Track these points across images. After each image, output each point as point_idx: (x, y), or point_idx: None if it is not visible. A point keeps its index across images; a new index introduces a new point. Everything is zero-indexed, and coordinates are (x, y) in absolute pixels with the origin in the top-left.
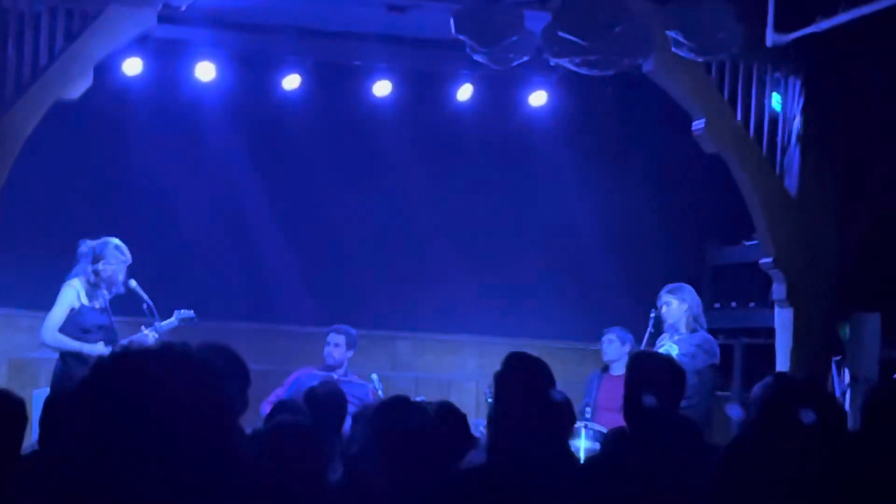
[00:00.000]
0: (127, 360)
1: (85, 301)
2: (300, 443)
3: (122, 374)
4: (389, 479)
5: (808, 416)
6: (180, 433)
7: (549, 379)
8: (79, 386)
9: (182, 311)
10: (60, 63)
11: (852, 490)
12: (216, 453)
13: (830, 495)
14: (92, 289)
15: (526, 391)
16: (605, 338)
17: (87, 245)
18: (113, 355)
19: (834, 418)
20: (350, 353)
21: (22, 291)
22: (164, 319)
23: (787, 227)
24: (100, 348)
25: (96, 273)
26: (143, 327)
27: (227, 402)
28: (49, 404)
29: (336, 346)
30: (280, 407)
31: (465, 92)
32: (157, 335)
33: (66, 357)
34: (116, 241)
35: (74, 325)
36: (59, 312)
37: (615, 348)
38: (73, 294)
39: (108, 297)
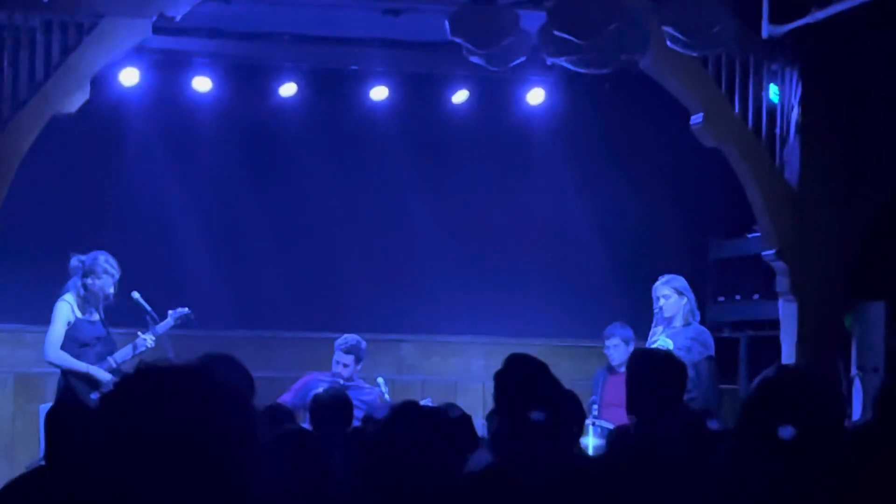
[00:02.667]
0: (150, 376)
1: (79, 314)
2: (302, 450)
3: (145, 390)
4: (397, 484)
5: (786, 432)
6: (202, 449)
7: (549, 379)
8: (101, 401)
9: (176, 310)
10: (57, 77)
11: (862, 484)
12: (237, 469)
13: (839, 489)
14: (84, 302)
15: (527, 391)
16: (608, 342)
17: (76, 259)
18: (136, 371)
19: (829, 414)
20: (359, 367)
21: (26, 307)
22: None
23: (789, 218)
24: (103, 373)
25: (86, 287)
26: (139, 333)
27: (251, 419)
28: (54, 420)
29: (345, 366)
30: (269, 412)
31: (462, 94)
32: (154, 338)
33: (68, 374)
34: (105, 254)
35: (72, 340)
36: (57, 329)
37: (621, 352)
38: (67, 309)
39: (101, 308)
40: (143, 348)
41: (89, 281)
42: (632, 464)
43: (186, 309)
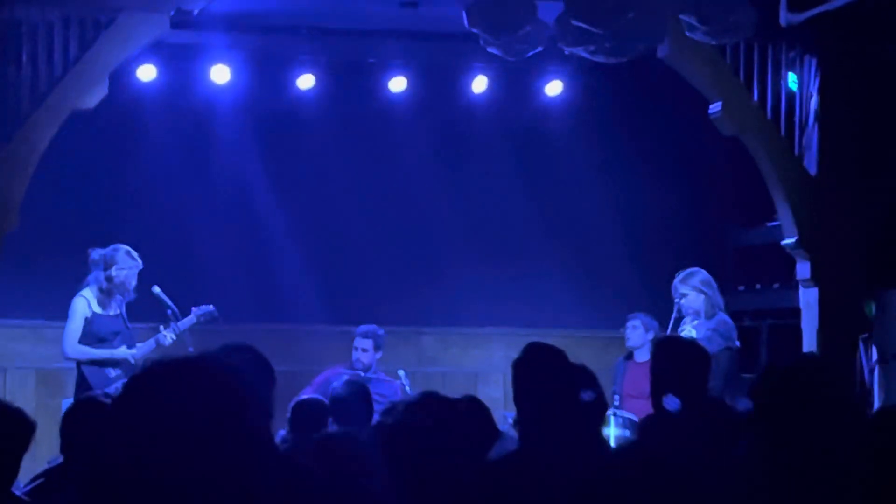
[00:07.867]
0: (160, 372)
1: (97, 309)
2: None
3: (156, 386)
4: (417, 476)
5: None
6: (213, 441)
7: (567, 368)
8: (114, 398)
9: (200, 307)
10: (75, 73)
11: (885, 469)
12: (248, 459)
13: (863, 474)
14: (105, 296)
15: (546, 381)
16: (629, 324)
17: (97, 253)
18: (146, 368)
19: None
20: (378, 355)
21: (46, 302)
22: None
23: (809, 206)
24: (123, 352)
25: (109, 279)
26: (161, 328)
27: (257, 409)
28: (69, 417)
29: (364, 350)
30: (298, 412)
31: (480, 84)
32: (174, 336)
33: (83, 367)
34: (126, 246)
35: (90, 335)
36: (75, 325)
37: (639, 335)
38: (83, 304)
39: (122, 303)
40: (164, 344)
41: (112, 272)
42: (657, 452)
43: (211, 307)
